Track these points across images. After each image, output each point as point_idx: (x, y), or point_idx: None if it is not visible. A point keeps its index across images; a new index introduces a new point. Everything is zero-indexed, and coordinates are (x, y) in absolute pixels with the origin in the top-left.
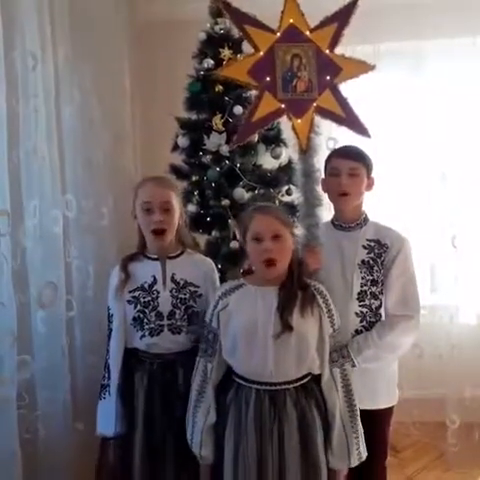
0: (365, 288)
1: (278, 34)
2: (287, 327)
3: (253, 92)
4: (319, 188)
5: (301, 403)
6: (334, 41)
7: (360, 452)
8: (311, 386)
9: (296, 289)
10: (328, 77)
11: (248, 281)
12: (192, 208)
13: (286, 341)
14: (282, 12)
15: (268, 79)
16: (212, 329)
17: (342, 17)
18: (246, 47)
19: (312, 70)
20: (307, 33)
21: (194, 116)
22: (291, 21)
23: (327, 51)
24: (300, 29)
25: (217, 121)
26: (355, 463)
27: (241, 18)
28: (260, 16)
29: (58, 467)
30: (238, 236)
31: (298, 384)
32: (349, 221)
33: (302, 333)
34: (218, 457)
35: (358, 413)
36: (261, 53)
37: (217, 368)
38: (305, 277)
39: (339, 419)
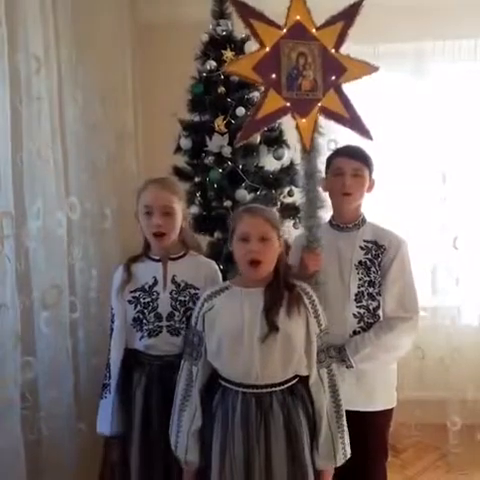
0: (362, 289)
1: (284, 30)
2: (273, 327)
3: (256, 94)
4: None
5: (288, 405)
6: (340, 41)
7: (345, 451)
8: (298, 388)
9: (282, 289)
10: (333, 77)
11: (234, 283)
12: (194, 209)
13: (272, 343)
14: (288, 8)
15: (274, 76)
16: (197, 332)
17: (348, 16)
18: (248, 49)
19: (317, 69)
20: (313, 31)
21: (196, 118)
22: (298, 18)
23: (332, 51)
24: (306, 27)
25: (219, 122)
26: (341, 462)
27: (248, 12)
28: (266, 13)
29: (61, 467)
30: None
31: (284, 386)
32: (347, 222)
33: (288, 334)
34: (205, 461)
35: (344, 413)
36: (267, 49)
37: (202, 371)
38: (304, 278)
39: (326, 419)
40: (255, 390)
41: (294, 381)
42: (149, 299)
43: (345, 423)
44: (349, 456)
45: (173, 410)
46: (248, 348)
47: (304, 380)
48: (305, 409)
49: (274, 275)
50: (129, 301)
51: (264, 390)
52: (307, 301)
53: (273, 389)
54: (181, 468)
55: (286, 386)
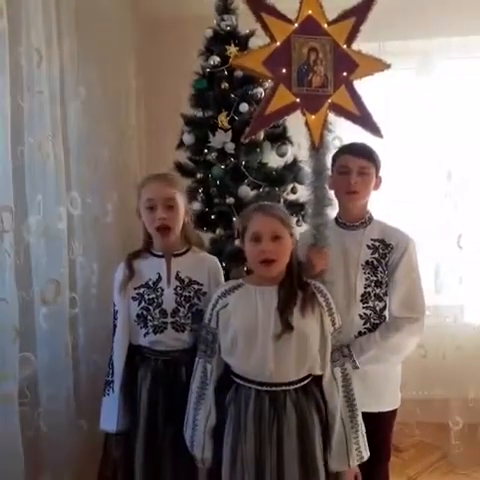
0: (369, 289)
1: (296, 25)
2: (288, 327)
3: (260, 90)
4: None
5: (301, 405)
6: (351, 36)
7: (360, 452)
8: (311, 388)
9: (296, 288)
10: (344, 73)
11: (247, 281)
12: (197, 206)
13: (286, 341)
14: (300, 2)
15: (284, 71)
16: (211, 329)
17: (360, 12)
18: (252, 44)
19: (328, 65)
20: (325, 26)
21: (199, 113)
22: (310, 12)
23: (344, 46)
24: (318, 21)
25: (222, 118)
26: (355, 464)
27: (259, 6)
28: (278, 7)
29: (60, 464)
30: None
31: (298, 385)
32: (354, 220)
33: (303, 332)
34: (216, 458)
35: (359, 412)
36: (277, 43)
37: (216, 369)
38: (311, 278)
39: (339, 419)
40: (269, 388)
41: (308, 380)
42: (153, 295)
43: (360, 424)
44: (366, 458)
45: (188, 408)
46: (262, 346)
47: (318, 379)
48: (318, 410)
49: (287, 272)
50: (133, 298)
51: (278, 388)
52: (321, 299)
53: (287, 388)
54: (189, 464)
55: (300, 385)
